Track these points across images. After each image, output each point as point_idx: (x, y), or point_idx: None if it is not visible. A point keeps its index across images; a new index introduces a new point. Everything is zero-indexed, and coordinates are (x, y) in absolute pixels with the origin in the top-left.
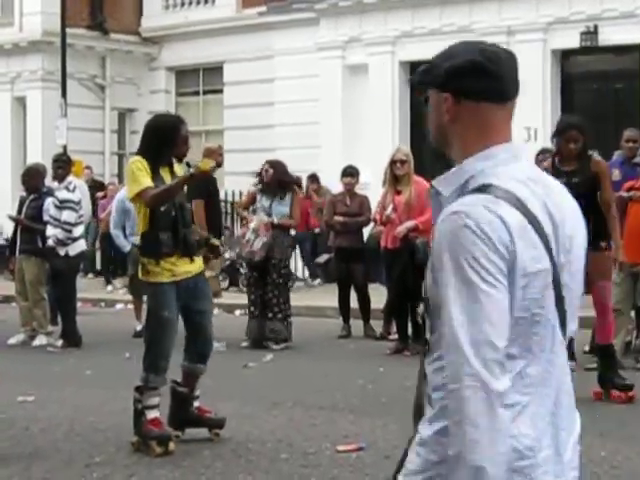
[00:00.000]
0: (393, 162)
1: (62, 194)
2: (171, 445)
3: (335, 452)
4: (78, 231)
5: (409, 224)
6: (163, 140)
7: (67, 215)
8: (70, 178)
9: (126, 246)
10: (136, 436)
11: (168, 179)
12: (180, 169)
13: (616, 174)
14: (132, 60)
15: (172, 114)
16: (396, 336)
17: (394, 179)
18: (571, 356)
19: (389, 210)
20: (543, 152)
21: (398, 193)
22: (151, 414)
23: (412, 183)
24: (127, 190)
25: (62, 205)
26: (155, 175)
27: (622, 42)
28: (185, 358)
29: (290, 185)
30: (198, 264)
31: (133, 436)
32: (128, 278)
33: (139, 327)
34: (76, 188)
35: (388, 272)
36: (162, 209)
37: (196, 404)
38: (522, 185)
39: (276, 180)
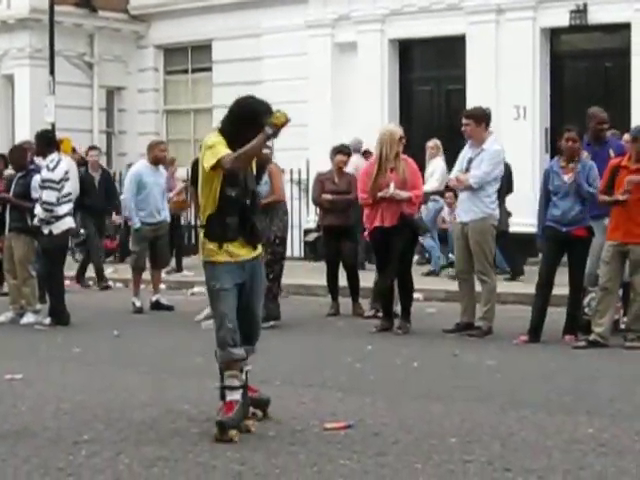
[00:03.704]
0: (400, 139)
1: (43, 173)
2: (232, 432)
3: (323, 430)
4: (63, 209)
5: (405, 194)
6: (244, 121)
7: (46, 195)
8: (53, 156)
9: (137, 222)
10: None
11: None
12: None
13: (585, 156)
14: (120, 38)
15: (261, 102)
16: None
17: (386, 157)
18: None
19: (392, 188)
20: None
21: (391, 171)
22: (231, 396)
23: (402, 160)
24: (204, 161)
25: (42, 185)
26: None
27: (611, 21)
28: None
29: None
30: (259, 250)
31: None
32: (133, 254)
33: (138, 303)
34: (57, 167)
35: (384, 251)
36: (233, 194)
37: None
38: None
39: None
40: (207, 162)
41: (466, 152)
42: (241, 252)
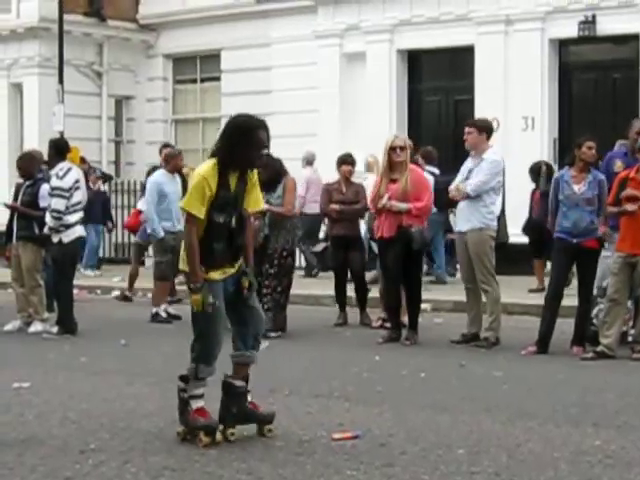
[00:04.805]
0: (392, 148)
1: (52, 181)
2: (218, 435)
3: (330, 440)
4: (72, 218)
5: (403, 206)
6: (236, 142)
7: (55, 202)
8: (62, 164)
9: (160, 232)
10: (182, 426)
11: (233, 186)
12: (253, 176)
13: (619, 165)
14: (129, 47)
15: (254, 116)
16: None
17: (389, 167)
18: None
19: (385, 199)
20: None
21: (393, 182)
22: (197, 404)
23: (407, 171)
24: (185, 199)
25: (52, 192)
26: (222, 179)
27: (620, 32)
28: (233, 347)
29: (278, 178)
30: (239, 262)
31: (179, 426)
32: (154, 264)
33: (163, 314)
34: (67, 175)
35: (384, 261)
36: (220, 220)
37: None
38: None
39: (269, 178)
40: (183, 203)
41: (468, 163)
42: (231, 270)
